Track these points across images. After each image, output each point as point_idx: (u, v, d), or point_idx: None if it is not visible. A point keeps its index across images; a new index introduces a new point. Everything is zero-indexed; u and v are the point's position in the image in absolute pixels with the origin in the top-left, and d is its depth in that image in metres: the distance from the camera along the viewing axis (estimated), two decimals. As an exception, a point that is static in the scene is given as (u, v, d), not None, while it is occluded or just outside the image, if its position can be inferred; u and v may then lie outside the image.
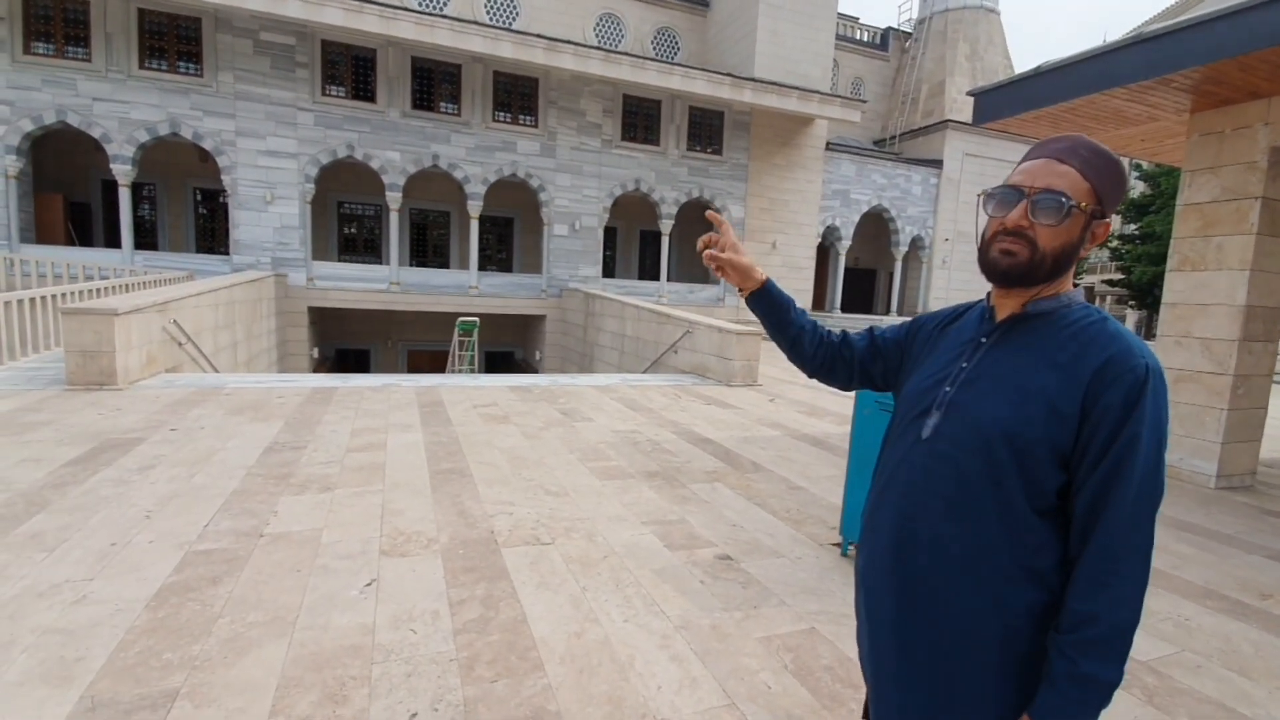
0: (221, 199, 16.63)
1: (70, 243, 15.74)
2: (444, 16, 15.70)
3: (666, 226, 19.69)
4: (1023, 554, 0.99)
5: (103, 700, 2.04)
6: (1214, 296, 5.36)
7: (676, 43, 22.81)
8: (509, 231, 21.01)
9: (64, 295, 8.46)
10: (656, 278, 20.36)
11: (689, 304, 19.43)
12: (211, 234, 18.00)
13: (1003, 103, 5.95)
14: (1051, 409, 0.99)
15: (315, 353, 16.79)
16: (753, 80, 18.81)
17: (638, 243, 22.64)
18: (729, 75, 18.52)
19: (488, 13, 20.21)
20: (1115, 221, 24.18)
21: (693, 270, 22.32)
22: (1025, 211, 1.04)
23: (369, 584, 2.91)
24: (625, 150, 18.97)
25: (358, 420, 6.06)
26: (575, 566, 3.22)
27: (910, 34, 26.05)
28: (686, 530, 3.82)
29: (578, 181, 18.43)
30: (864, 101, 21.50)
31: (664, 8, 22.46)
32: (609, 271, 21.00)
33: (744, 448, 5.89)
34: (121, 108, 14.38)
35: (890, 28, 26.13)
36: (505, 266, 20.88)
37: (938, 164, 23.46)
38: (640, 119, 19.23)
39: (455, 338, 15.29)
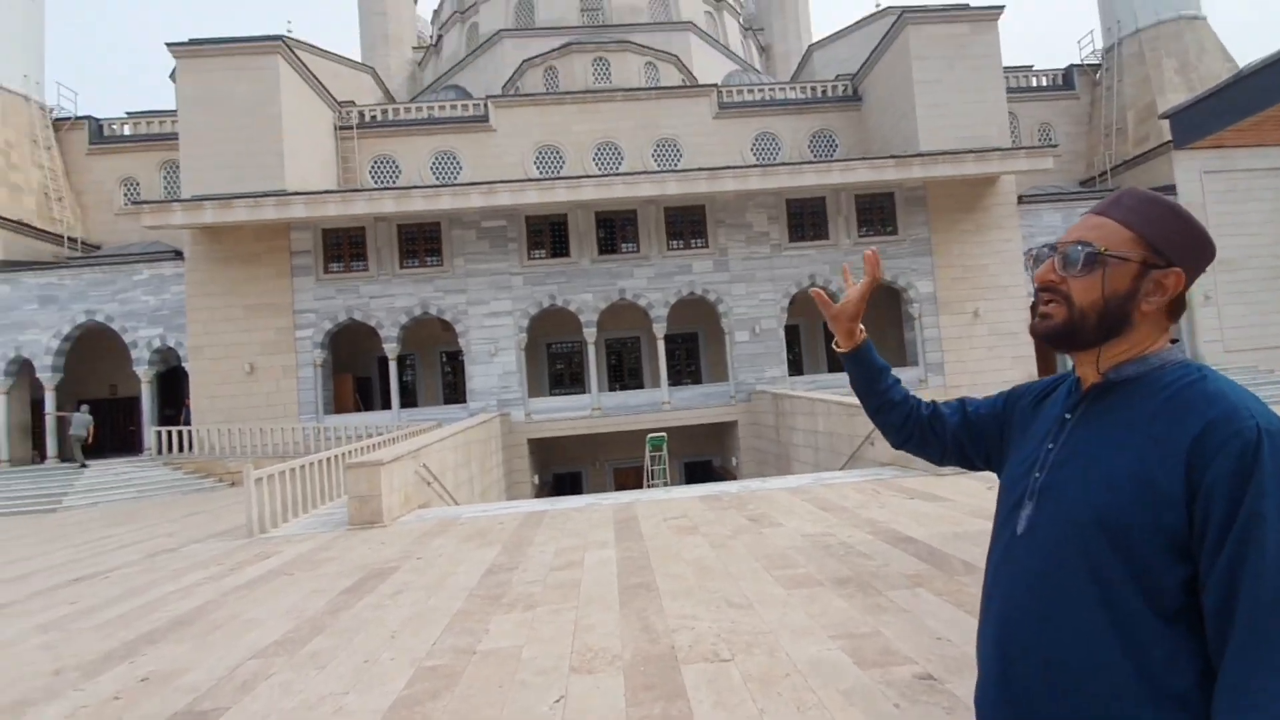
0: (459, 358, 19.96)
1: (357, 409, 19.85)
2: (618, 175, 18.04)
3: (850, 315, 19.11)
4: (1151, 670, 0.82)
5: (345, 797, 2.43)
6: None
7: (834, 141, 23.28)
8: (694, 345, 22.00)
9: (348, 453, 10.65)
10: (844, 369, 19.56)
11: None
12: (454, 387, 21.50)
13: (1204, 118, 5.12)
14: (1150, 488, 0.85)
15: (535, 479, 18.60)
16: (919, 155, 18.32)
17: (823, 336, 22.18)
18: (891, 157, 18.29)
19: (655, 161, 22.68)
20: None
21: (887, 356, 21.07)
22: (1053, 266, 0.99)
23: (558, 700, 3.10)
24: (796, 250, 19.27)
25: (561, 540, 6.58)
26: (754, 685, 3.11)
27: (1098, 65, 23.64)
28: (880, 644, 3.48)
29: (753, 288, 18.98)
30: (1054, 146, 19.62)
31: (816, 114, 23.28)
32: (796, 369, 20.72)
33: (953, 545, 5.25)
34: (389, 300, 18.39)
35: (1072, 65, 24.02)
36: (695, 379, 21.68)
37: (1169, 189, 20.08)
38: (807, 218, 19.57)
39: (647, 453, 16.05)
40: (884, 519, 6.42)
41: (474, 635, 4.06)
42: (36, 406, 18.55)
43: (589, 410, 18.41)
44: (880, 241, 19.47)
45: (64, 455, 17.34)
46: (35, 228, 19.34)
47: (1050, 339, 1.01)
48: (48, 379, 17.95)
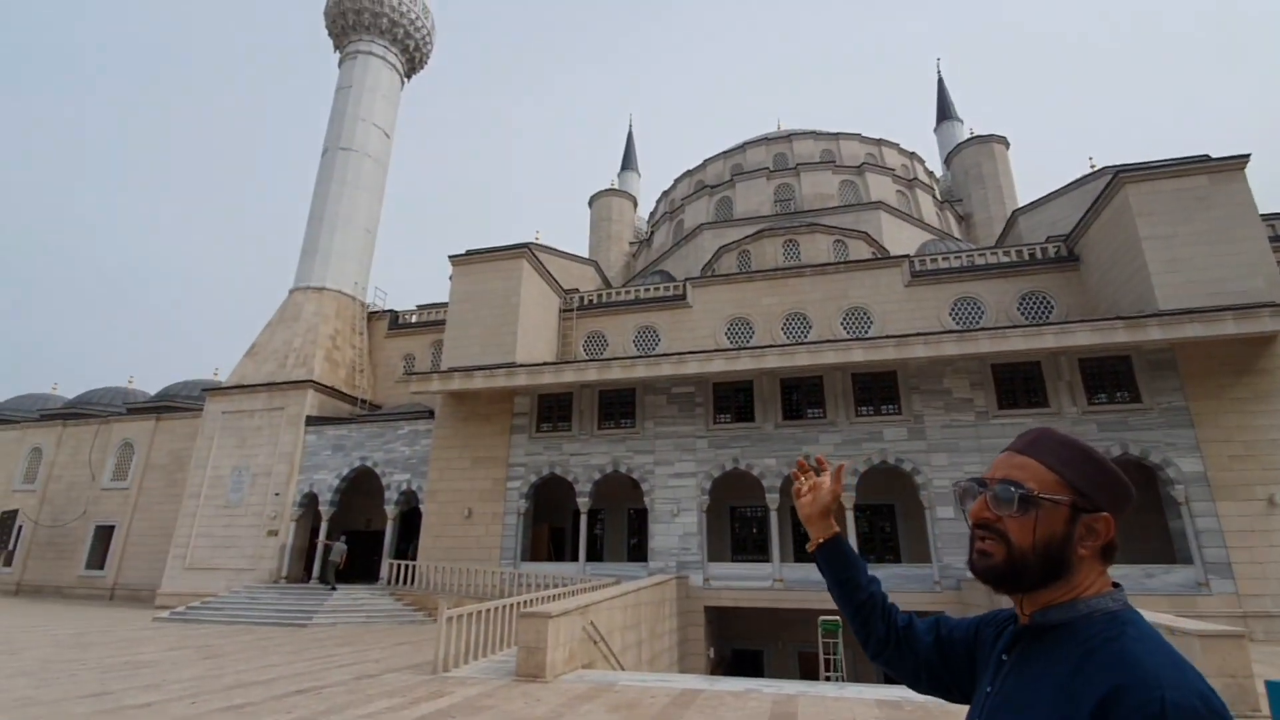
0: (645, 516, 20.59)
1: (550, 558, 21.10)
2: (801, 344, 18.50)
3: (1085, 497, 16.21)
4: None
5: None
6: None
7: (1049, 302, 21.49)
8: (891, 519, 20.10)
9: (525, 602, 11.37)
10: (1090, 562, 16.18)
11: (1147, 590, 14.59)
12: (638, 545, 21.95)
13: None
14: None
15: (711, 652, 17.57)
16: (1158, 315, 16.07)
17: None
18: (1119, 318, 16.29)
19: (844, 329, 22.85)
20: None
21: (1146, 549, 17.12)
22: (984, 504, 1.02)
23: None
24: (1007, 418, 17.39)
25: (703, 725, 6.25)
26: None
27: None
28: None
29: (956, 459, 17.27)
30: (1356, 299, 15.88)
31: (1025, 276, 21.97)
32: (1021, 557, 17.65)
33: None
34: (585, 458, 20.10)
35: (1374, 203, 19.88)
36: (893, 556, 19.53)
37: None
38: (1019, 384, 17.79)
39: (820, 639, 14.33)
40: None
41: (585, 808, 4.05)
42: (313, 534, 22.81)
43: (770, 581, 17.41)
44: (1119, 411, 16.79)
45: (323, 577, 20.77)
46: (341, 392, 25.17)
47: (991, 578, 1.01)
48: (327, 511, 22.20)
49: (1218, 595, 14.48)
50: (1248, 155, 17.78)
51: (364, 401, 25.80)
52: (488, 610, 10.41)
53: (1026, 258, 22.39)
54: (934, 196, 33.82)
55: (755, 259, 26.54)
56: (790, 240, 26.36)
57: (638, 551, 21.18)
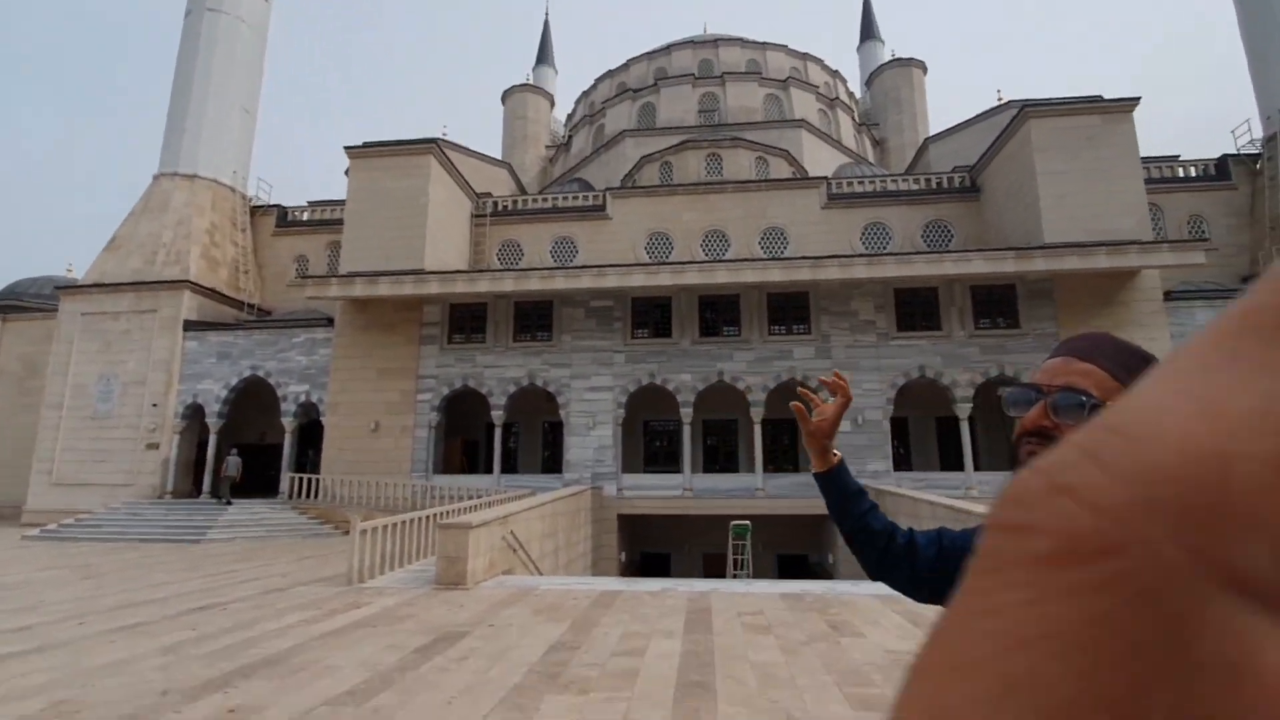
0: (560, 429, 20.69)
1: (464, 470, 20.92)
2: (721, 261, 18.56)
3: (963, 411, 17.92)
4: None
5: None
6: None
7: (949, 231, 22.66)
8: (794, 433, 21.35)
9: (443, 514, 11.24)
10: (960, 468, 18.12)
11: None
12: (552, 457, 22.17)
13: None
14: None
15: (623, 556, 18.45)
16: (1043, 248, 17.36)
17: (935, 431, 20.81)
18: (1011, 249, 17.48)
19: (762, 249, 23.12)
20: None
21: (999, 464, 19.34)
22: (1044, 411, 0.95)
23: (588, 791, 3.06)
24: (904, 339, 18.58)
25: (629, 624, 6.51)
26: (793, 810, 2.91)
27: (1258, 155, 21.60)
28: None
29: (857, 376, 18.36)
30: (1206, 240, 17.88)
31: (930, 205, 22.91)
32: (903, 465, 19.46)
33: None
34: (500, 370, 19.65)
35: (1227, 155, 22.12)
36: (795, 467, 20.94)
37: (1364, 291, 17.46)
38: (917, 308, 18.91)
39: (730, 541, 15.44)
40: (979, 643, 5.80)
41: (524, 714, 4.11)
42: (199, 448, 21.24)
43: (680, 490, 18.24)
44: (999, 336, 18.34)
45: (215, 492, 19.57)
46: (224, 295, 22.83)
47: None
48: (215, 424, 20.62)
49: (1063, 496, 16.66)
50: (1138, 98, 18.97)
51: (252, 306, 23.63)
52: (404, 522, 10.20)
53: (934, 186, 23.28)
54: (853, 118, 34.08)
55: (677, 171, 25.95)
56: (713, 154, 25.87)
57: (552, 464, 21.41)
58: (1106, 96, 19.47)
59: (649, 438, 21.96)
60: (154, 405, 20.56)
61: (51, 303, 23.77)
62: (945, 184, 23.23)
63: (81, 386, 21.02)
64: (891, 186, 23.57)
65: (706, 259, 21.55)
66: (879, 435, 18.07)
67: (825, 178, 24.07)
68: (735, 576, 14.58)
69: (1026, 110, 19.54)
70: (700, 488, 18.26)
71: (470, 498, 16.35)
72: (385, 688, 4.59)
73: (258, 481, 21.30)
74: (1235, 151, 22.30)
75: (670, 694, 4.47)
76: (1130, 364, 0.94)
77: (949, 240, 22.52)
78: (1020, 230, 19.67)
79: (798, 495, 17.87)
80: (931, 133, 31.83)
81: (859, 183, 23.84)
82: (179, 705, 4.24)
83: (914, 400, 19.49)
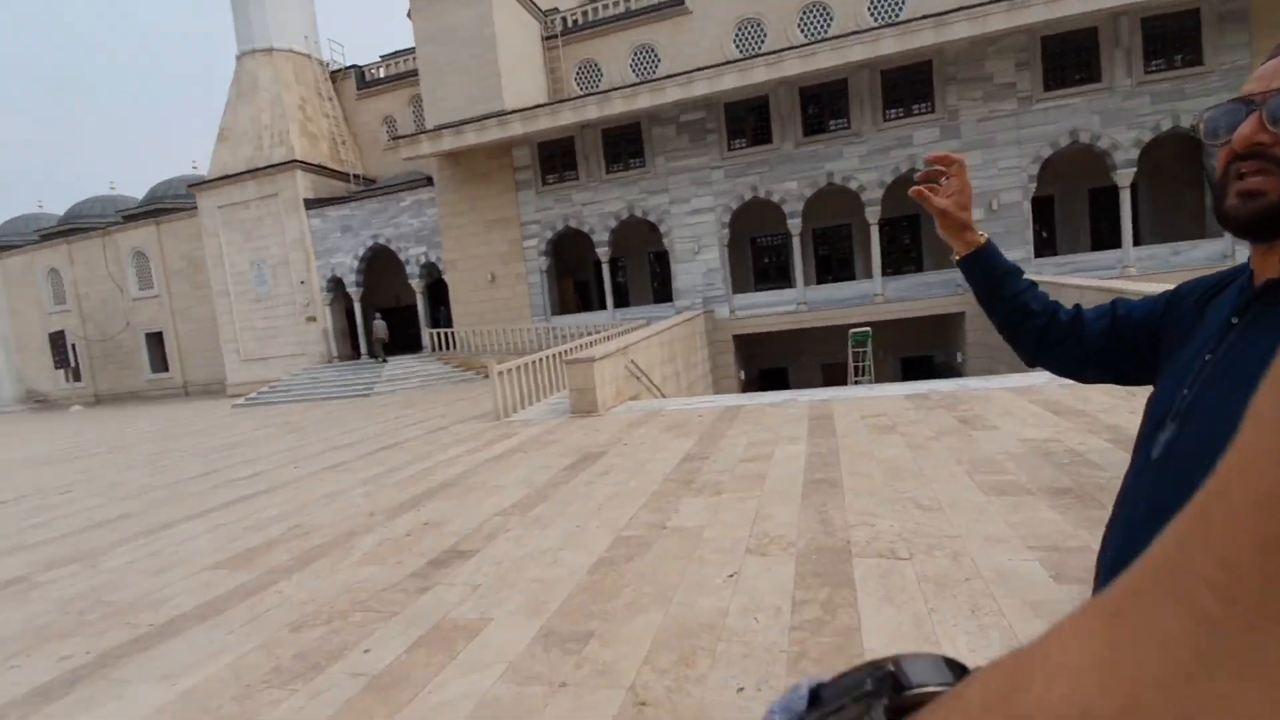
0: (666, 258, 20.58)
1: (578, 309, 21.82)
2: (824, 40, 16.18)
3: (1124, 178, 15.47)
4: None
5: (551, 631, 3.03)
6: None
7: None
8: (915, 231, 19.78)
9: (567, 351, 11.92)
10: (1118, 245, 16.11)
11: (1172, 269, 14.72)
12: (663, 287, 22.37)
13: None
14: None
15: (741, 375, 19.00)
16: (1253, -57, 13.38)
17: (1087, 207, 18.36)
18: (1206, -47, 13.63)
19: (872, 16, 19.80)
20: None
21: (1175, 227, 16.83)
22: (1259, 124, 0.75)
23: (731, 575, 3.39)
24: (1052, 100, 15.84)
25: (754, 434, 6.80)
26: (929, 586, 3.06)
27: None
28: (1090, 560, 3.13)
29: (989, 156, 16.21)
30: None
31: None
32: (1048, 249, 17.63)
33: (1224, 461, 4.33)
34: (598, 206, 19.41)
35: None
36: (918, 267, 19.69)
37: None
38: (1069, 58, 15.80)
39: (850, 349, 15.22)
40: (1133, 424, 5.47)
41: (665, 514, 4.52)
42: (349, 316, 23.60)
43: (794, 305, 17.94)
44: (1175, 78, 15.07)
45: (372, 353, 22.03)
46: (331, 169, 23.73)
47: (1258, 223, 0.77)
48: (354, 293, 22.63)
49: (1240, 261, 14.51)
50: None
51: (358, 177, 24.49)
52: (534, 362, 10.98)
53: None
54: None
55: (762, -61, 22.03)
56: (804, -94, 21.50)
57: (663, 293, 21.65)
58: None
59: (757, 255, 21.36)
60: (301, 282, 22.76)
61: (189, 202, 26.03)
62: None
63: (240, 274, 23.57)
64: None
65: (806, 41, 18.92)
66: (1019, 220, 16.26)
67: (948, -94, 19.43)
68: (856, 383, 14.60)
69: None
70: (815, 299, 17.82)
71: (589, 334, 17.15)
72: (542, 500, 5.22)
73: (401, 340, 23.62)
74: None
75: (798, 490, 4.71)
76: None
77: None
78: (1220, -75, 15.14)
79: (921, 296, 17.00)
80: None
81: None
82: (385, 522, 5.11)
83: (1062, 173, 17.10)
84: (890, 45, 15.37)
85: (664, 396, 11.69)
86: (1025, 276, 1.18)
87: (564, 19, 22.73)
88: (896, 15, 19.46)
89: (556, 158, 19.87)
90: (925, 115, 16.67)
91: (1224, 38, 14.70)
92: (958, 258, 1.21)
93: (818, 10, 20.19)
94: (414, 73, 23.20)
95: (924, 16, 15.43)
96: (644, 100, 17.34)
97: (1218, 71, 14.77)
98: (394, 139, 22.41)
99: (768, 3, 20.45)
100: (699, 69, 17.18)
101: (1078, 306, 1.12)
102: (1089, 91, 15.60)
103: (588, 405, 9.26)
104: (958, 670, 0.25)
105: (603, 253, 19.57)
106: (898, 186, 17.38)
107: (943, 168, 1.16)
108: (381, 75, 25.50)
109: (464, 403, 13.05)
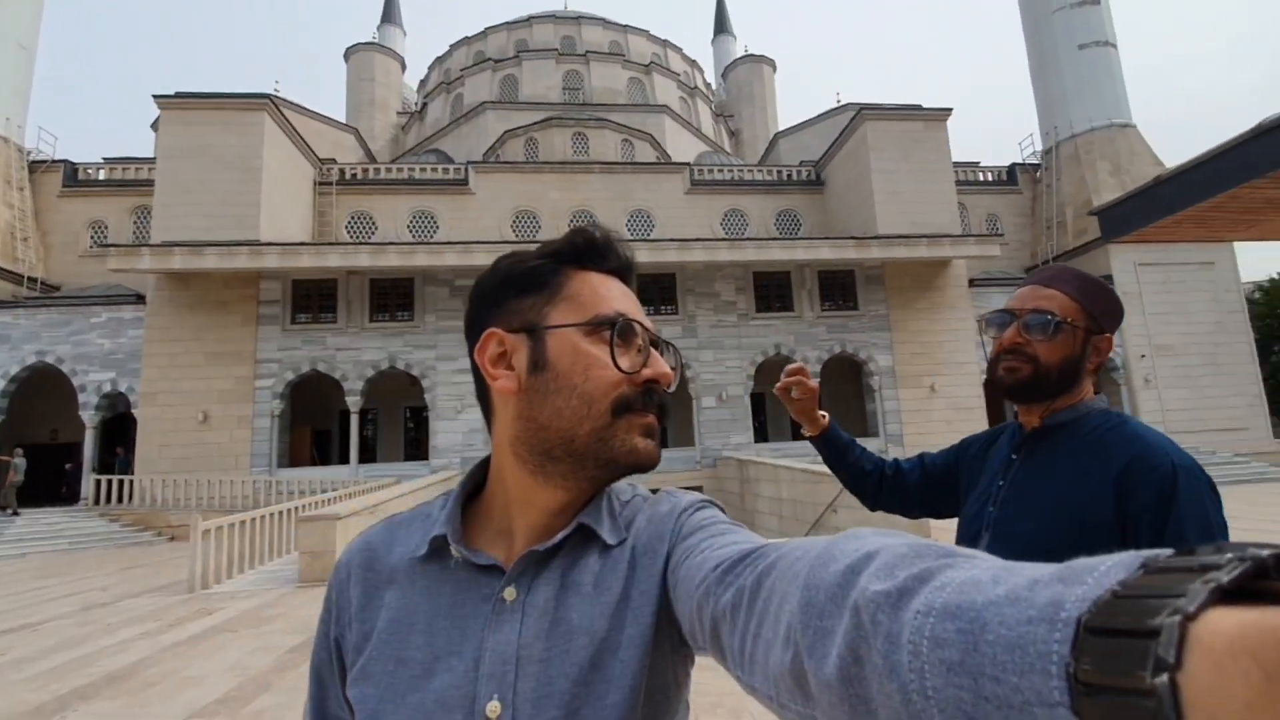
0: (424, 414, 19.71)
1: (314, 463, 19.25)
2: (591, 239, 18.55)
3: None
4: None
5: None
6: None
7: (798, 220, 24.54)
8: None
9: (302, 507, 10.33)
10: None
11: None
12: (416, 443, 21.09)
13: (1129, 216, 5.73)
14: (1087, 520, 1.00)
15: (495, 542, 18.09)
16: (877, 238, 19.43)
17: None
18: (851, 238, 19.37)
19: (629, 230, 23.47)
20: None
21: (850, 426, 21.58)
22: (1017, 331, 1.15)
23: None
24: (762, 320, 19.93)
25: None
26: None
27: (1038, 165, 25.74)
28: None
29: (720, 355, 19.44)
30: (1000, 235, 21.10)
31: (782, 195, 24.62)
32: (762, 437, 20.99)
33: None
34: (355, 353, 18.24)
35: (1015, 164, 26.08)
36: (661, 443, 21.67)
37: (1107, 279, 21.58)
38: (773, 290, 20.35)
39: None
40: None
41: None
42: (-32, 450, 17.51)
43: (553, 471, 18.22)
44: (842, 316, 20.29)
45: (1, 502, 16.28)
46: (-4, 266, 18.86)
47: (1016, 390, 1.16)
48: (-13, 421, 17.09)
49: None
50: (950, 109, 21.73)
51: (34, 280, 19.77)
52: (255, 519, 9.24)
53: (784, 178, 25.03)
54: (710, 108, 35.52)
55: (543, 148, 25.50)
56: (579, 133, 25.73)
57: (416, 450, 20.40)
58: (925, 106, 22.13)
59: (518, 420, 21.60)
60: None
61: None
62: (794, 176, 25.08)
63: None
64: (747, 176, 24.99)
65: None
66: (740, 410, 19.30)
67: (688, 164, 24.93)
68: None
69: (864, 113, 21.61)
70: (573, 467, 18.36)
71: (324, 490, 15.13)
72: (263, 690, 4.21)
73: (51, 487, 18.08)
74: (1021, 161, 26.33)
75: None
76: (1086, 288, 1.16)
77: (798, 229, 24.40)
78: (858, 221, 21.81)
79: (667, 469, 18.61)
80: (781, 127, 34.11)
81: (718, 170, 24.99)
82: (0, 740, 3.59)
83: (770, 377, 21.02)
84: (645, 256, 18.21)
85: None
86: (857, 445, 1.52)
87: (343, 171, 22.75)
88: (648, 233, 23.39)
89: (313, 298, 18.60)
90: (671, 315, 19.63)
91: (870, 292, 20.46)
92: (809, 435, 1.52)
93: (584, 216, 23.35)
94: (142, 182, 20.66)
95: (670, 239, 18.86)
96: (422, 260, 17.61)
97: (867, 315, 20.27)
98: (102, 245, 18.98)
99: (544, 200, 23.09)
100: (480, 241, 18.26)
101: (896, 461, 1.48)
102: (786, 317, 20.08)
103: (323, 571, 7.95)
104: None
105: (353, 402, 18.06)
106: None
107: (800, 377, 1.49)
108: (99, 177, 22.09)
109: (142, 570, 10.17)
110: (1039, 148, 26.24)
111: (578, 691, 0.51)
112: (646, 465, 0.59)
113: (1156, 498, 0.95)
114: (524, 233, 22.81)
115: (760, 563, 0.43)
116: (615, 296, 0.62)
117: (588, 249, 0.64)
